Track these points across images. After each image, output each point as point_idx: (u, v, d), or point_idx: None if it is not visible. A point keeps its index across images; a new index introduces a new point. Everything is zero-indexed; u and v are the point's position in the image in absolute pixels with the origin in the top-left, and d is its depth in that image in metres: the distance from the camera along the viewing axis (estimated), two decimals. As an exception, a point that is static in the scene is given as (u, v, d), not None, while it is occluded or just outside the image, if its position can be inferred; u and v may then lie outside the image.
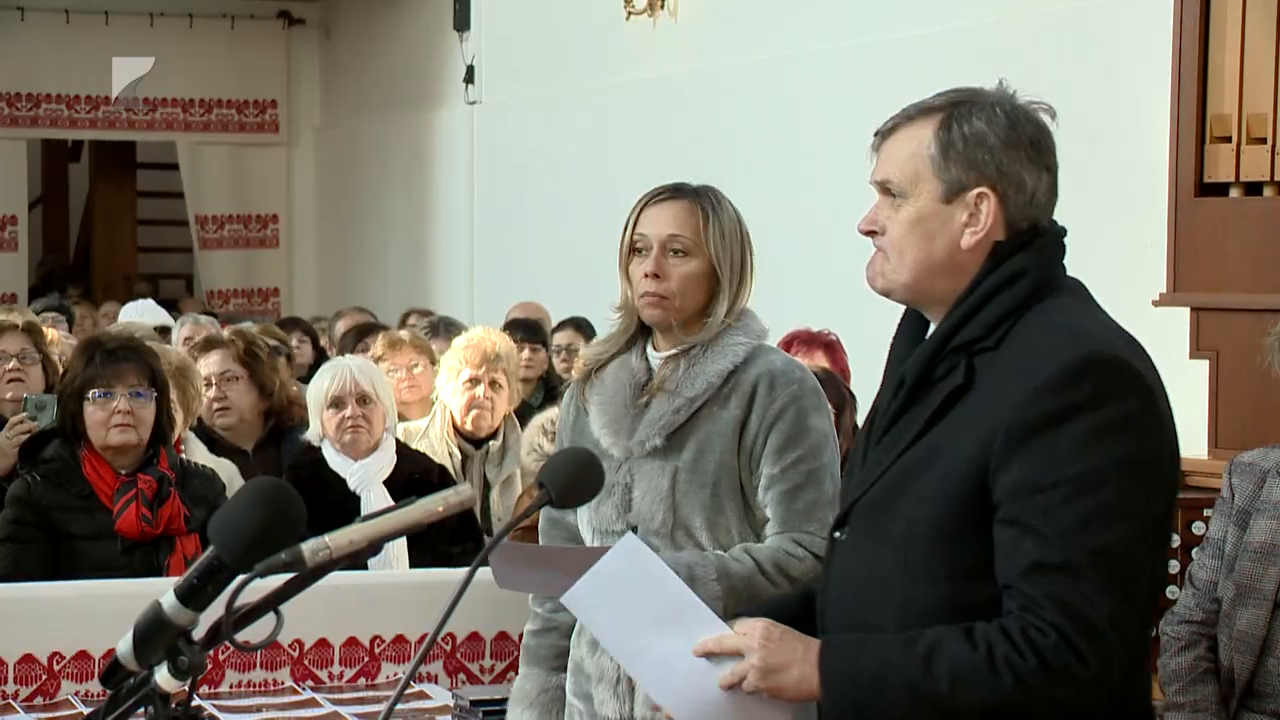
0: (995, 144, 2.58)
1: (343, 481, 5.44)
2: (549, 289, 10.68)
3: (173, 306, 12.72)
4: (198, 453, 5.75)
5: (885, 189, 2.65)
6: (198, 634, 2.17)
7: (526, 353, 8.26)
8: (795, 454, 3.58)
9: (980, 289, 2.58)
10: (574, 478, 2.46)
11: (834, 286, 9.46)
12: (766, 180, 9.93)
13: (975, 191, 2.58)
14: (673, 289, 3.62)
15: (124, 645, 2.17)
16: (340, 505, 5.28)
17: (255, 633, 2.22)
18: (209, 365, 6.41)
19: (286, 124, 16.06)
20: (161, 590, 2.18)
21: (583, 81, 11.60)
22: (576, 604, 2.53)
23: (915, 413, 2.59)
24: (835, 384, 6.47)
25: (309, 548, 2.11)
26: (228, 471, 5.67)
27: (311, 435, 5.69)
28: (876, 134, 2.67)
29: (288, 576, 2.21)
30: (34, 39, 15.06)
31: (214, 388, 6.37)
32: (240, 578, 2.12)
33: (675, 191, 3.71)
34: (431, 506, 2.20)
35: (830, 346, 7.35)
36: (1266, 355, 4.04)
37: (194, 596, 2.15)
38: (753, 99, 10.13)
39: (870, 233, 2.67)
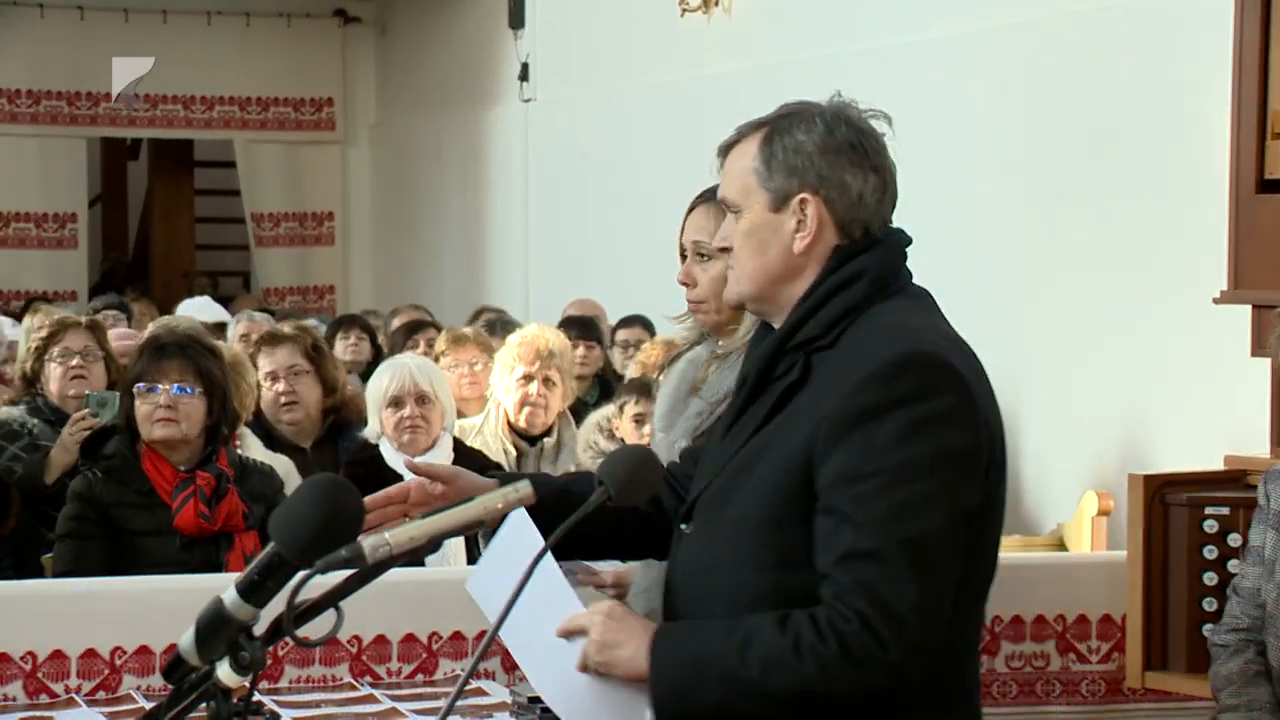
0: (813, 150, 2.72)
1: (400, 479, 5.46)
2: (604, 286, 10.69)
3: (229, 303, 12.82)
4: (254, 449, 5.79)
5: (727, 206, 2.81)
6: (259, 630, 2.19)
7: (581, 350, 8.28)
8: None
9: (819, 290, 2.71)
10: (632, 475, 2.47)
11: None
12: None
13: (799, 197, 2.72)
14: (703, 294, 3.64)
15: (186, 640, 2.19)
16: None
17: (315, 629, 2.24)
18: (276, 360, 6.43)
19: (342, 122, 16.12)
20: (221, 586, 2.20)
21: (637, 79, 11.60)
22: (477, 591, 2.60)
23: (755, 409, 2.72)
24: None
25: (369, 544, 2.13)
26: (285, 468, 5.71)
27: (370, 433, 5.73)
28: (718, 152, 2.85)
29: (348, 573, 2.24)
30: (92, 38, 15.17)
31: (281, 382, 6.39)
32: (301, 574, 2.14)
33: (706, 195, 3.72)
34: (491, 503, 2.22)
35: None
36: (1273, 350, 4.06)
37: (255, 592, 2.17)
38: (807, 97, 10.09)
39: (726, 249, 2.82)
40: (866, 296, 2.70)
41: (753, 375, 2.77)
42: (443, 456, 5.62)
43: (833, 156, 2.73)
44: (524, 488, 2.26)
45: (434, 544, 2.20)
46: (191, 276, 16.53)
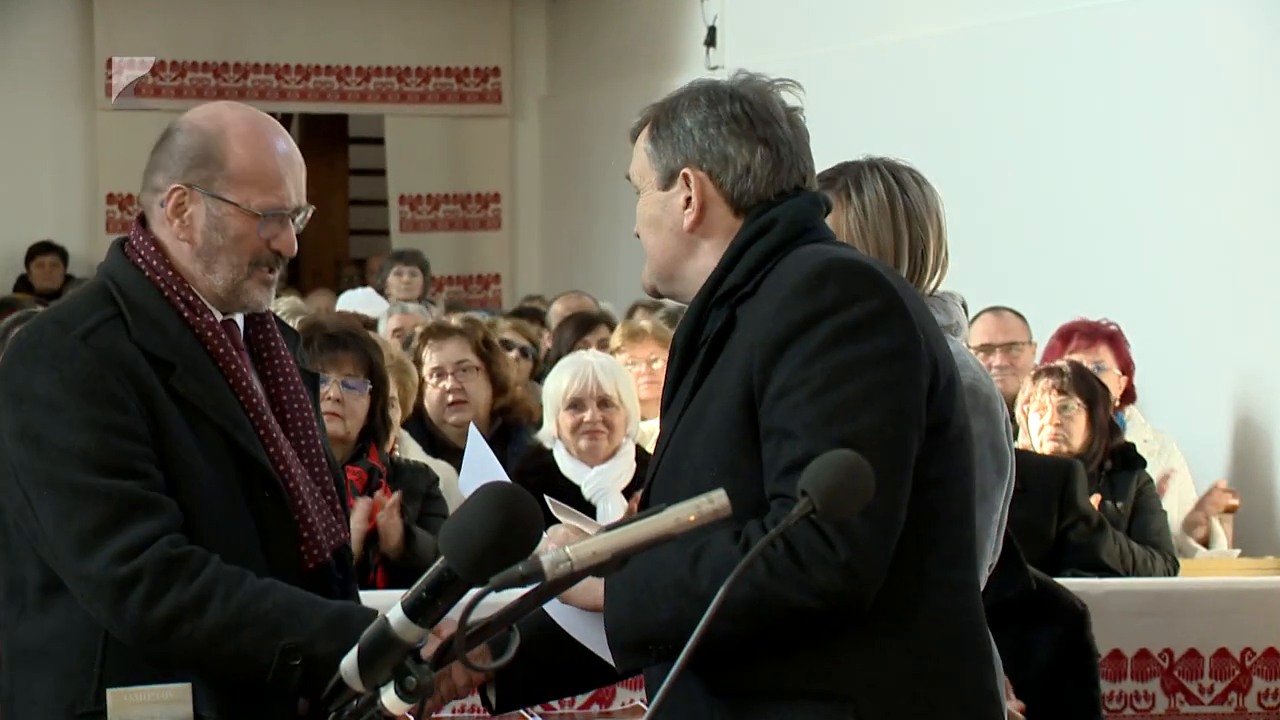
0: (692, 126, 2.99)
1: (576, 489, 5.50)
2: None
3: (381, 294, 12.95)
4: (412, 452, 5.84)
5: (633, 187, 3.09)
6: (427, 652, 2.22)
7: None
8: None
9: (735, 244, 2.96)
10: (837, 484, 2.44)
11: (1117, 274, 9.31)
12: (1035, 144, 9.79)
13: (682, 172, 2.99)
14: None
15: (348, 664, 2.23)
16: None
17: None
18: (443, 354, 6.45)
19: (510, 93, 16.23)
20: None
21: (835, 44, 11.54)
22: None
23: (690, 374, 2.95)
24: (1083, 376, 6.41)
25: (548, 559, 2.13)
26: (446, 474, 5.76)
27: (544, 436, 5.75)
28: (630, 137, 3.11)
29: (524, 590, 2.25)
30: (240, 5, 15.46)
31: (449, 379, 6.41)
32: (473, 591, 2.15)
33: (822, 184, 3.73)
34: (683, 515, 2.22)
35: (1113, 338, 7.25)
36: None
37: (423, 611, 2.20)
38: (1016, 59, 9.99)
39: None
40: (784, 241, 2.94)
41: (681, 340, 2.99)
42: (624, 466, 5.64)
43: (713, 130, 2.99)
44: (719, 498, 2.25)
45: (619, 560, 2.20)
46: (343, 265, 16.72)
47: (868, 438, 2.71)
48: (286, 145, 3.31)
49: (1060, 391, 6.38)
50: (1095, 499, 6.14)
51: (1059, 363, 6.64)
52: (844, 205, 3.68)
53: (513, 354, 7.64)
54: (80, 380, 3.11)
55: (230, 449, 3.19)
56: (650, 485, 3.00)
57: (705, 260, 3.00)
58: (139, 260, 3.30)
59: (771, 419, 2.79)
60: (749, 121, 3.01)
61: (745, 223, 2.98)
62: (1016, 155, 10.15)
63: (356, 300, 10.84)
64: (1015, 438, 6.63)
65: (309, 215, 3.32)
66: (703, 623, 2.17)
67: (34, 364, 3.16)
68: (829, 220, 3.61)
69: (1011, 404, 6.95)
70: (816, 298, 2.81)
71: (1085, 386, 6.40)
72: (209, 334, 3.24)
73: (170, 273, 3.27)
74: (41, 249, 14.60)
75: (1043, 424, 6.37)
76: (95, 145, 15.19)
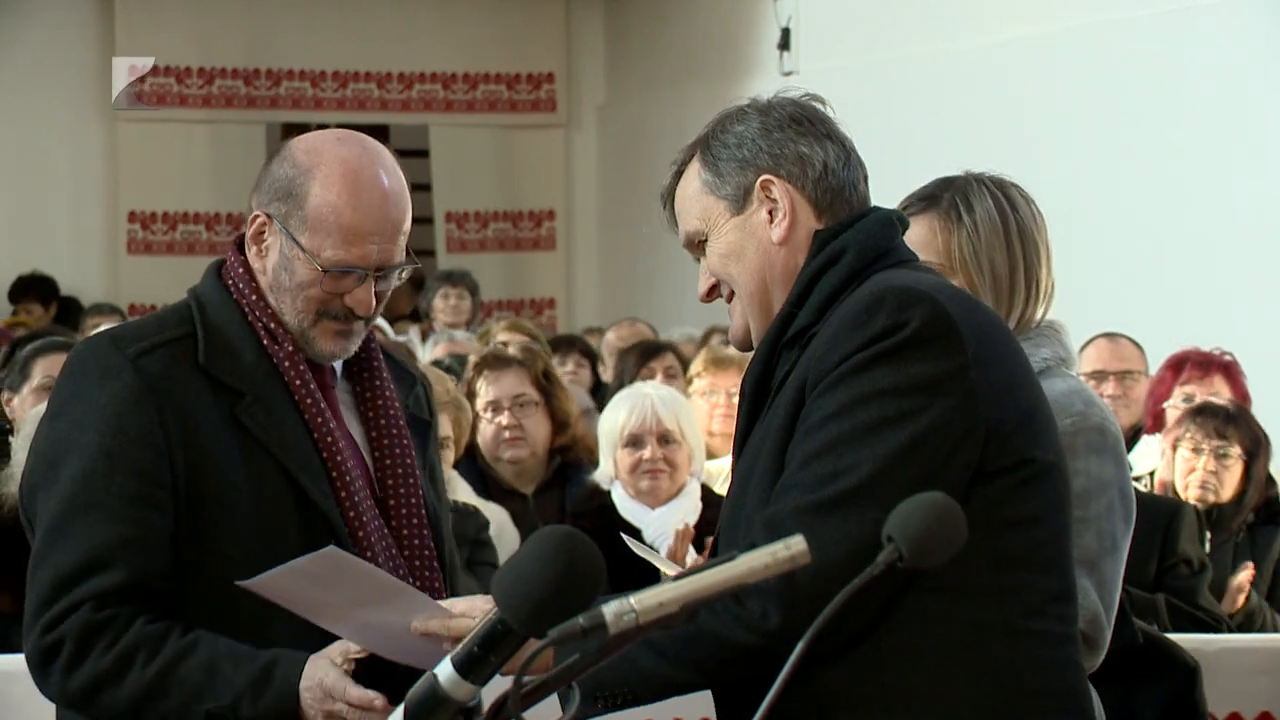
0: (755, 135, 3.02)
1: (636, 533, 5.50)
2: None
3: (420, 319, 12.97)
4: (461, 493, 5.85)
5: (696, 244, 3.11)
6: (478, 713, 2.22)
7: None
8: None
9: (803, 277, 2.96)
10: (927, 530, 2.44)
11: (1226, 297, 9.26)
12: (1119, 152, 9.76)
13: (758, 183, 3.01)
14: None
15: (394, 722, 2.23)
16: (633, 562, 5.34)
17: (544, 712, 2.27)
18: (500, 387, 6.44)
19: (565, 101, 16.28)
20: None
21: (915, 46, 11.55)
22: (265, 587, 3.01)
23: (764, 418, 2.96)
24: (1247, 422, 6.28)
25: (611, 611, 2.14)
26: (497, 518, 5.77)
27: (601, 477, 5.76)
28: (662, 204, 3.17)
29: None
30: (272, 7, 15.54)
31: (505, 414, 6.41)
32: (530, 646, 2.16)
33: (922, 203, 3.76)
34: (756, 562, 2.22)
35: (1228, 370, 7.20)
36: None
37: (474, 668, 2.21)
38: (1108, 64, 9.98)
39: (712, 293, 3.13)
40: (854, 272, 2.94)
41: (750, 384, 3.00)
42: (689, 506, 5.63)
43: (777, 134, 3.03)
44: (796, 544, 2.25)
45: (688, 612, 2.20)
46: (384, 288, 16.75)
47: (855, 471, 2.78)
48: (384, 197, 3.29)
49: (1220, 436, 6.20)
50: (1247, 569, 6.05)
51: (1222, 402, 6.46)
52: (953, 226, 3.68)
53: None
54: (114, 404, 3.21)
55: (293, 489, 3.25)
56: (717, 536, 3.04)
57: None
58: (229, 282, 3.37)
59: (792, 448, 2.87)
60: (808, 121, 3.05)
61: (811, 251, 2.99)
62: (1098, 164, 10.14)
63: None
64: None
65: (406, 273, 3.37)
66: (789, 664, 2.17)
67: (79, 380, 3.28)
68: (938, 243, 3.63)
69: (1130, 437, 6.90)
70: (866, 329, 2.84)
71: (1249, 433, 6.22)
72: (286, 364, 3.30)
73: (255, 297, 3.33)
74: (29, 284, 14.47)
75: (1194, 468, 6.21)
76: (116, 159, 15.27)
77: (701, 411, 6.73)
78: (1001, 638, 2.85)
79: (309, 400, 3.29)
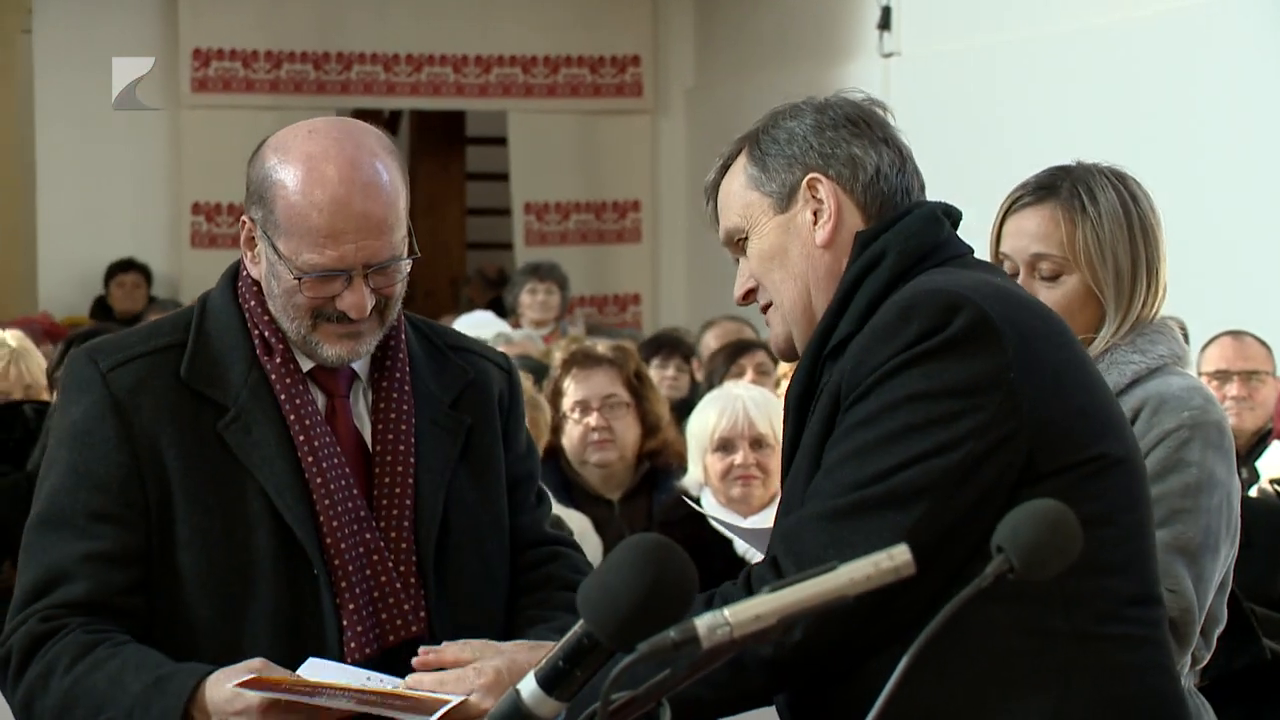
0: (807, 132, 3.04)
1: (727, 543, 5.50)
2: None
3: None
4: (541, 499, 5.87)
5: (736, 242, 3.13)
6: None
7: (672, 371, 8.28)
8: (1157, 490, 3.53)
9: (844, 283, 2.97)
10: (1039, 540, 2.43)
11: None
12: (1226, 142, 9.70)
13: (805, 181, 3.02)
14: None
15: (475, 742, 2.25)
16: (724, 574, 5.34)
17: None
18: (589, 387, 6.45)
19: (652, 86, 16.28)
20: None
21: (1021, 29, 11.51)
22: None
23: (808, 430, 2.97)
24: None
25: (704, 624, 2.14)
26: (579, 526, 5.78)
27: (689, 483, 5.76)
28: (706, 196, 3.20)
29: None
30: (345, -11, 15.62)
31: (594, 415, 6.42)
32: (619, 660, 2.16)
33: (1040, 191, 3.78)
34: (857, 573, 2.22)
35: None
36: None
37: (560, 683, 2.22)
38: (1190, 46, 9.95)
39: (749, 296, 3.16)
40: (896, 275, 2.94)
41: (793, 399, 3.02)
42: (782, 514, 5.63)
43: (831, 133, 3.04)
44: (900, 554, 2.25)
45: (785, 625, 2.21)
46: (460, 285, 16.77)
47: (878, 478, 2.80)
48: (356, 191, 3.23)
49: None
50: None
51: None
52: (1076, 218, 3.70)
53: None
54: (84, 420, 3.29)
55: (270, 511, 3.27)
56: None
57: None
58: (240, 284, 3.39)
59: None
60: (865, 123, 3.07)
61: (853, 254, 3.01)
62: (1206, 153, 10.08)
63: (472, 324, 10.81)
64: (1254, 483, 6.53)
65: (405, 267, 3.34)
66: (899, 671, 2.17)
67: (62, 395, 3.40)
68: (1060, 234, 3.62)
69: (1257, 442, 6.84)
70: (900, 336, 2.85)
71: None
72: (273, 377, 3.31)
73: (254, 304, 3.35)
74: (122, 267, 14.78)
75: None
76: (179, 148, 15.37)
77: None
78: (1072, 644, 2.85)
79: (293, 416, 3.29)
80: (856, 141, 3.04)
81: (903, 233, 3.00)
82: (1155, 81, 10.58)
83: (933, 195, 3.13)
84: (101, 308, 14.66)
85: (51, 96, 14.84)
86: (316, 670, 3.14)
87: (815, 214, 3.04)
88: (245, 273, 3.37)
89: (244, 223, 3.32)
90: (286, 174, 3.23)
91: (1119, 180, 3.74)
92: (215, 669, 3.13)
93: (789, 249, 3.07)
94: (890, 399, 2.82)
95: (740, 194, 3.12)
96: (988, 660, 2.84)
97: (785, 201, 3.06)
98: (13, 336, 6.80)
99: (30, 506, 3.37)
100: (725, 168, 3.16)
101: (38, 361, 6.70)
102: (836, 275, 3.03)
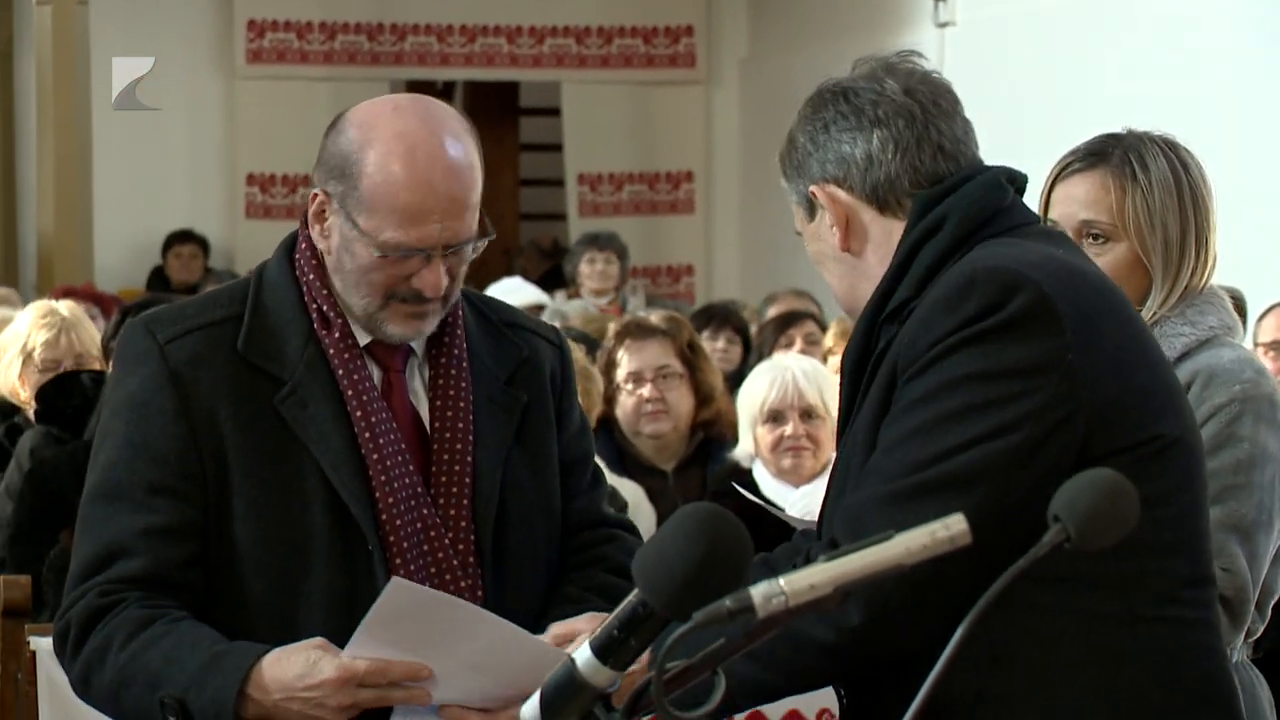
0: (804, 142, 3.10)
1: (774, 518, 5.50)
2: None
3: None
4: (595, 471, 5.88)
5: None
6: (619, 698, 2.23)
7: (722, 343, 8.27)
8: (1209, 466, 3.50)
9: (903, 248, 2.98)
10: (1097, 508, 2.42)
11: None
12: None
13: (809, 193, 3.08)
14: None
15: (529, 711, 2.25)
16: (778, 542, 5.33)
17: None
18: (643, 358, 6.46)
19: (705, 56, 16.27)
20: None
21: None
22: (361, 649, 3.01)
23: (861, 398, 2.99)
24: None
25: (760, 593, 2.14)
26: (632, 495, 5.78)
27: (741, 454, 5.76)
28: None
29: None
30: (398, -42, 15.64)
31: (647, 385, 6.43)
32: (674, 629, 2.16)
33: (1091, 158, 3.76)
34: (913, 542, 2.21)
35: None
36: None
37: (614, 651, 2.22)
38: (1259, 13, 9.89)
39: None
40: (956, 241, 2.94)
41: (850, 362, 3.02)
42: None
43: (822, 137, 3.07)
44: (956, 523, 2.24)
45: (841, 594, 2.20)
46: (513, 255, 16.80)
47: (953, 462, 2.79)
48: (445, 172, 3.22)
49: None
50: None
51: None
52: (1127, 185, 3.68)
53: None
54: (141, 392, 3.26)
55: (326, 488, 3.24)
56: (820, 525, 3.09)
57: (878, 273, 3.06)
58: (298, 257, 3.36)
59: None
60: (854, 111, 3.06)
61: (910, 221, 3.00)
62: (1265, 120, 10.04)
63: (504, 290, 10.76)
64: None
65: (481, 246, 3.31)
66: (956, 638, 2.16)
67: (118, 365, 3.38)
68: (1109, 200, 3.61)
69: None
70: (957, 312, 2.85)
71: None
72: (331, 352, 3.29)
73: (314, 278, 3.32)
74: (180, 238, 14.85)
75: None
76: (234, 119, 15.42)
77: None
78: (1126, 627, 2.85)
79: (350, 392, 3.27)
80: (845, 136, 3.05)
81: (965, 197, 2.99)
82: (1214, 47, 10.52)
83: (990, 160, 3.12)
84: (159, 278, 14.72)
85: (108, 67, 14.87)
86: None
87: (832, 218, 3.08)
88: (302, 245, 3.35)
89: (314, 195, 3.29)
90: (373, 150, 3.22)
91: (1170, 149, 3.72)
92: (271, 648, 3.12)
93: (824, 253, 3.12)
94: (948, 377, 2.82)
95: (790, 200, 3.19)
96: (1040, 644, 2.84)
97: (810, 211, 3.11)
98: (65, 306, 6.81)
99: (86, 475, 3.37)
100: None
101: (89, 331, 6.72)
102: (860, 269, 3.07)
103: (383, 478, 3.26)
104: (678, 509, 2.26)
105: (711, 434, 6.55)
